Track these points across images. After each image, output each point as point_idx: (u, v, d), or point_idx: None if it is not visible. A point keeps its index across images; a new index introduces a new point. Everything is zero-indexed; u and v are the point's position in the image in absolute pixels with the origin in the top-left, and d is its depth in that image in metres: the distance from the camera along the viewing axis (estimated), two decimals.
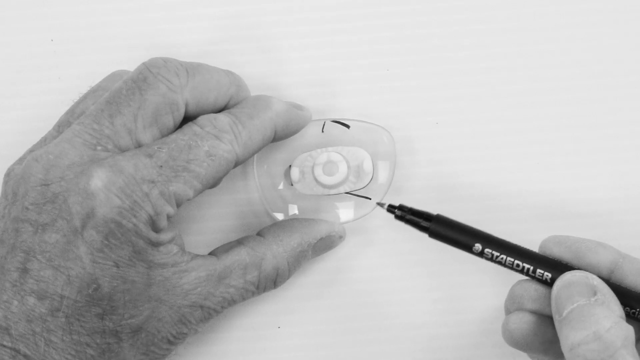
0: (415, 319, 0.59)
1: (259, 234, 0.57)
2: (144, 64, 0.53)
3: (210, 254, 0.55)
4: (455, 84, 0.60)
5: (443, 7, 0.61)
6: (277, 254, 0.56)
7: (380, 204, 0.55)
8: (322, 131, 0.59)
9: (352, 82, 0.61)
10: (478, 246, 0.52)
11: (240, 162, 0.54)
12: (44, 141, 0.55)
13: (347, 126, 0.59)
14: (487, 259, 0.53)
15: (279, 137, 0.56)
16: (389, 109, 0.60)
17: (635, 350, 0.47)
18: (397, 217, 0.54)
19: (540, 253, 0.53)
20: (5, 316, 0.50)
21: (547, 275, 0.52)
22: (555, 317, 0.50)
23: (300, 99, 0.60)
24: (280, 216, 0.59)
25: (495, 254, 0.52)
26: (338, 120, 0.59)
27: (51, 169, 0.50)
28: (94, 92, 0.56)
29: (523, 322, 0.52)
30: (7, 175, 0.53)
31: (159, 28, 0.61)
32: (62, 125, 0.55)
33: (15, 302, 0.49)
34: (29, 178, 0.51)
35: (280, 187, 0.59)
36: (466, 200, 0.59)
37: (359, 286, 0.59)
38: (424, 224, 0.53)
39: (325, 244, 0.58)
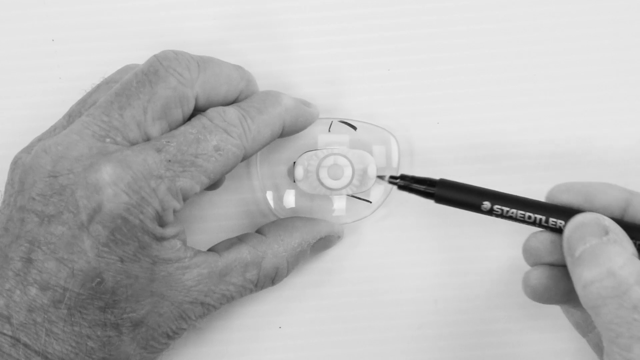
0: (417, 319, 0.59)
1: (260, 231, 0.57)
2: (155, 56, 0.53)
3: (211, 250, 0.55)
4: (457, 83, 0.61)
5: (451, 7, 0.61)
6: (277, 253, 0.56)
7: (380, 177, 0.55)
8: (329, 130, 0.59)
9: (359, 81, 0.61)
10: (487, 204, 0.51)
11: (247, 157, 0.54)
12: (53, 130, 0.55)
13: (354, 127, 0.59)
14: (496, 215, 0.51)
15: (286, 132, 0.56)
16: (392, 108, 0.60)
17: None
18: (401, 188, 0.53)
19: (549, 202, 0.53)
20: (7, 304, 0.49)
21: (561, 222, 0.51)
22: (568, 259, 0.49)
23: (308, 97, 0.59)
24: (281, 214, 0.59)
25: (505, 209, 0.51)
26: (345, 120, 0.59)
27: (60, 160, 0.50)
28: (106, 83, 0.56)
29: (544, 276, 0.52)
30: (14, 163, 0.53)
31: (163, 27, 0.61)
32: (73, 115, 0.54)
33: (18, 292, 0.49)
34: (37, 169, 0.50)
35: (283, 184, 0.59)
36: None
37: (360, 287, 0.60)
38: (429, 190, 0.52)
39: (323, 244, 0.58)
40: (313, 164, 0.58)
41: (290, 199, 0.59)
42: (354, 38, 0.61)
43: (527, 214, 0.51)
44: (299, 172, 0.58)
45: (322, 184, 0.58)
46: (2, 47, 0.62)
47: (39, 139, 0.55)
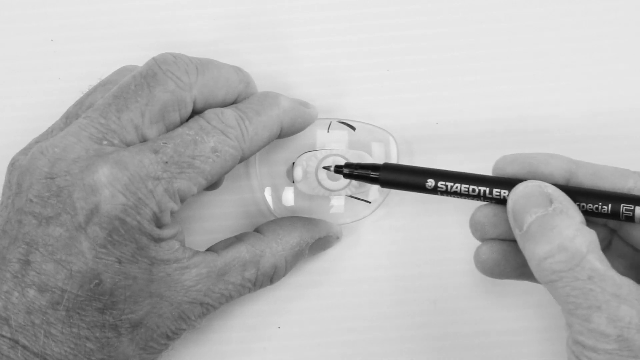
0: (416, 319, 0.59)
1: (258, 230, 0.57)
2: (153, 59, 0.53)
3: (209, 249, 0.55)
4: (457, 83, 0.61)
5: (450, 7, 0.61)
6: (275, 252, 0.56)
7: (326, 167, 0.56)
8: (328, 131, 0.59)
9: (358, 81, 0.61)
10: (431, 182, 0.52)
11: (245, 158, 0.54)
12: (50, 132, 0.55)
13: (353, 128, 0.59)
14: (441, 193, 0.52)
15: (284, 134, 0.56)
16: (392, 108, 0.60)
17: (601, 253, 0.47)
18: (346, 176, 0.55)
19: (495, 175, 0.53)
20: (5, 306, 0.50)
21: (505, 192, 0.51)
22: (516, 232, 0.49)
23: (307, 97, 0.59)
24: (280, 214, 0.59)
25: (449, 184, 0.51)
26: (344, 121, 0.59)
27: (57, 162, 0.50)
28: (103, 85, 0.56)
29: (493, 251, 0.52)
30: (12, 165, 0.53)
31: (162, 28, 0.61)
32: (70, 117, 0.55)
33: (16, 294, 0.49)
34: (34, 170, 0.50)
35: (282, 184, 0.59)
36: (467, 201, 0.59)
37: (360, 287, 0.60)
38: (373, 175, 0.53)
39: (322, 244, 0.58)
40: (312, 165, 0.58)
41: (289, 199, 0.59)
42: (354, 38, 0.61)
43: (471, 187, 0.51)
44: (298, 173, 0.58)
45: (321, 184, 0.58)
46: (2, 47, 0.62)
47: (36, 141, 0.55)
